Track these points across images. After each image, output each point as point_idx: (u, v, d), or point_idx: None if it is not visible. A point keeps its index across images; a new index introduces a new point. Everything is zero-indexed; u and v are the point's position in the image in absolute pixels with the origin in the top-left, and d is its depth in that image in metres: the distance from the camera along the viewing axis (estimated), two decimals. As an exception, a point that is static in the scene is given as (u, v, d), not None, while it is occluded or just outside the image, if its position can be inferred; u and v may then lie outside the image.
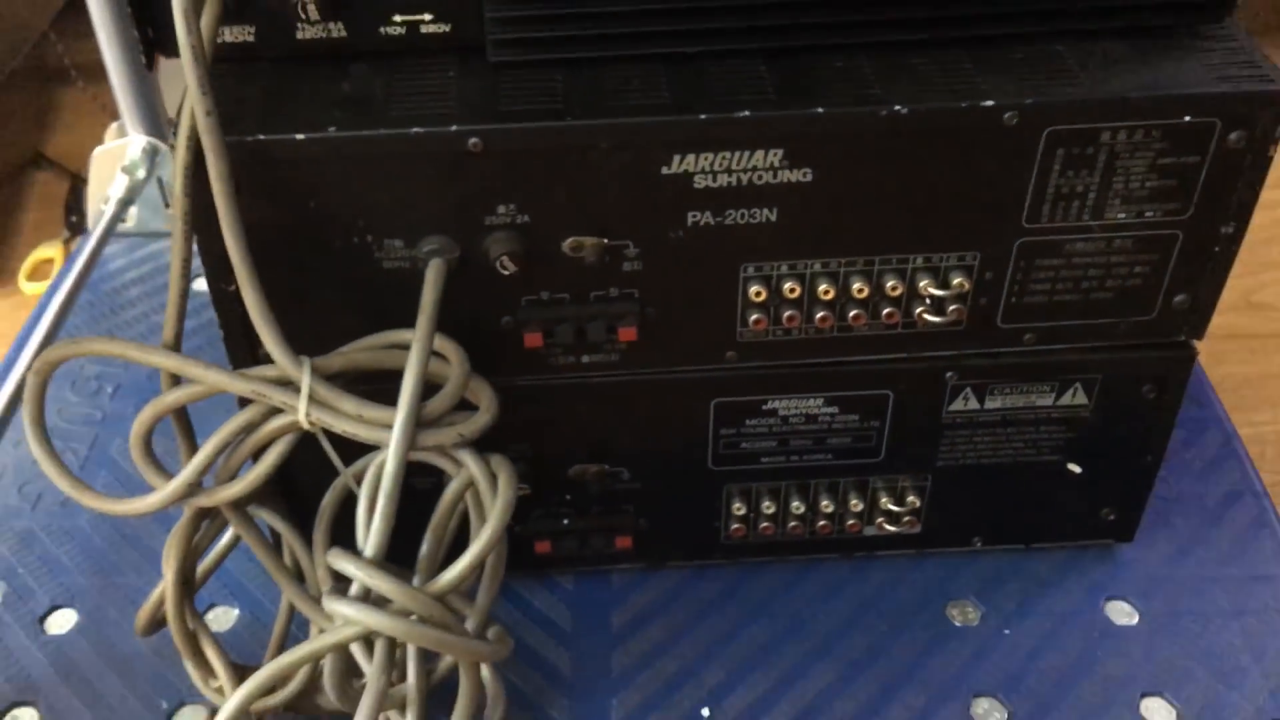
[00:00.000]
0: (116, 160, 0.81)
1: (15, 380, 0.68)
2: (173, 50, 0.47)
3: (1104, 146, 0.49)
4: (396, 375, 0.47)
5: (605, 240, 0.50)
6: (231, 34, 0.49)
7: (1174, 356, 0.56)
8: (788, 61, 0.50)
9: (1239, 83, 0.48)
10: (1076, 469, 0.60)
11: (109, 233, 0.79)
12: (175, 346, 0.49)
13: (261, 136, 0.46)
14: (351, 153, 0.47)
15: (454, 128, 0.47)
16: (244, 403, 0.49)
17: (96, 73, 0.86)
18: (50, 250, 1.12)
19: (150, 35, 0.49)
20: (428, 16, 0.49)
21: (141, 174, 0.81)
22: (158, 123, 0.82)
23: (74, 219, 1.16)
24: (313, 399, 0.47)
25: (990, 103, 0.47)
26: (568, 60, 0.49)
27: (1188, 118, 0.48)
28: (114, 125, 0.83)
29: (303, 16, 0.48)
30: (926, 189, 0.50)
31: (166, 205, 0.84)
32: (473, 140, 0.47)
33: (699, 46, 0.49)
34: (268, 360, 0.48)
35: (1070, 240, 0.52)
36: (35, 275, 1.10)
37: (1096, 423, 0.58)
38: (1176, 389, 0.57)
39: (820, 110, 0.47)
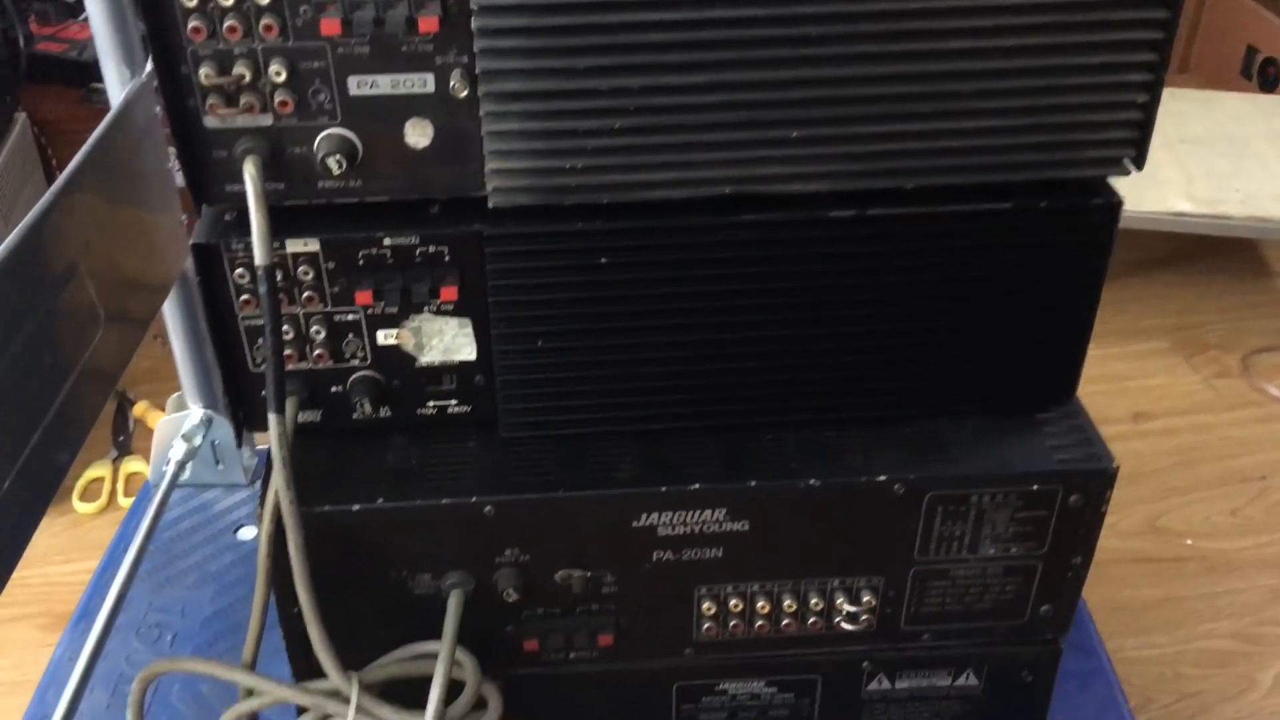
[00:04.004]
0: (177, 428, 0.96)
1: (98, 631, 0.81)
2: (257, 426, 0.62)
3: (973, 505, 0.64)
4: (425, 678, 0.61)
5: (589, 573, 0.64)
6: (303, 416, 0.63)
7: (1043, 650, 0.70)
8: (730, 438, 0.64)
9: (1076, 461, 0.63)
10: (975, 733, 0.74)
11: (170, 493, 0.93)
12: (252, 666, 0.62)
13: (327, 508, 0.60)
14: (395, 518, 0.61)
15: (474, 499, 0.61)
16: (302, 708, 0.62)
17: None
18: (101, 470, 1.25)
19: (240, 415, 0.64)
20: (454, 401, 0.64)
21: (199, 441, 0.96)
22: (213, 396, 0.96)
23: (120, 438, 1.29)
24: (359, 708, 0.60)
25: (883, 478, 0.62)
26: (559, 436, 0.64)
27: (1036, 486, 0.63)
28: (174, 397, 0.98)
29: (357, 407, 0.63)
30: (838, 534, 0.64)
31: (217, 463, 0.98)
32: (488, 508, 0.61)
33: (662, 425, 0.64)
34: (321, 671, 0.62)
35: (953, 567, 0.66)
36: (86, 495, 1.23)
37: (986, 698, 0.72)
38: (1047, 674, 0.71)
39: (753, 484, 0.62)
